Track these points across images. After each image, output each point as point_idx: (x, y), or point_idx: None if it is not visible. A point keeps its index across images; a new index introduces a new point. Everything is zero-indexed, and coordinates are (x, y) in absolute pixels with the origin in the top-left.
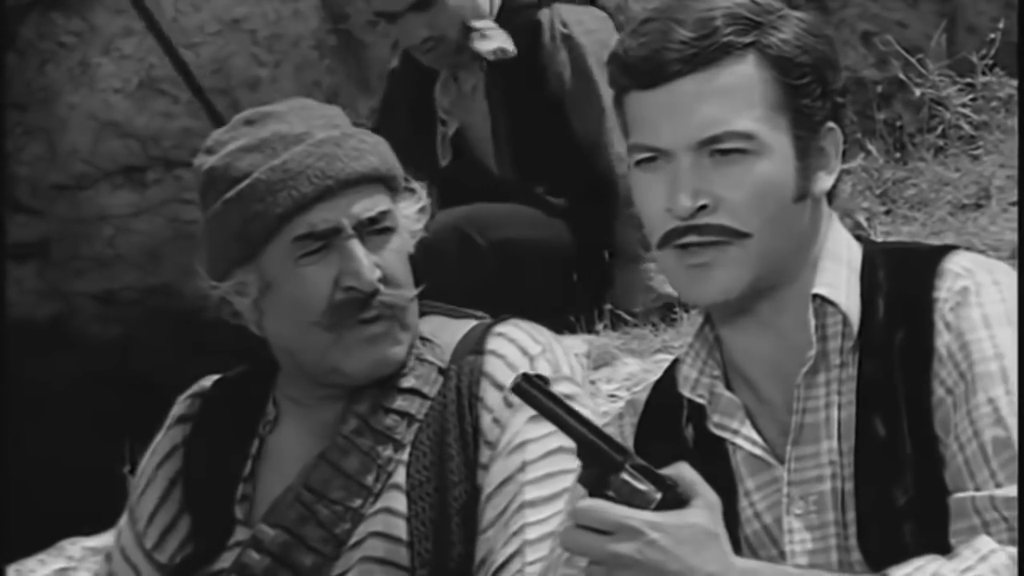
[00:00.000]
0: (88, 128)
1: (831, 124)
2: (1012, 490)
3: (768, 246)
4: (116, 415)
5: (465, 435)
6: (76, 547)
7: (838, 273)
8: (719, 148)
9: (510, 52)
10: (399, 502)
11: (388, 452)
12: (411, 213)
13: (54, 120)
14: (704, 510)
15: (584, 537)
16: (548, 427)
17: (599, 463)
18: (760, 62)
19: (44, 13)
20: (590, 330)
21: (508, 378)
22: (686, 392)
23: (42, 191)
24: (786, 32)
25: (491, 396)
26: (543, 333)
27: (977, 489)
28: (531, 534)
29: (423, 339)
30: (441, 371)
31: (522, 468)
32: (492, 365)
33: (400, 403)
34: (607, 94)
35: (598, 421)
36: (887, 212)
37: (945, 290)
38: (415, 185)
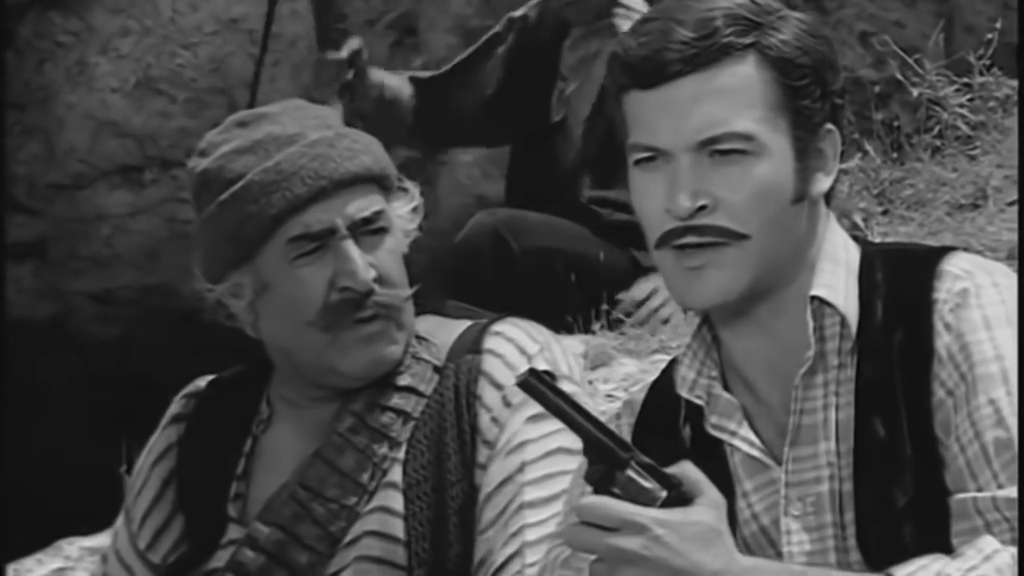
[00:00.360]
0: (86, 127)
1: (830, 126)
2: (1014, 491)
3: (766, 248)
4: (114, 415)
5: (463, 434)
6: (74, 547)
7: (836, 274)
8: (718, 149)
9: None
10: (395, 501)
11: (384, 450)
12: (405, 213)
13: (52, 119)
14: (709, 508)
15: (589, 533)
16: (547, 427)
17: (605, 460)
18: (760, 63)
19: (42, 12)
20: (587, 330)
21: (506, 377)
22: (684, 393)
23: (40, 190)
24: (786, 33)
25: (489, 395)
26: (541, 332)
27: (979, 490)
28: (530, 535)
29: (419, 338)
30: (437, 369)
31: (521, 469)
32: (490, 364)
33: (396, 401)
34: None
35: None
36: (884, 212)
37: (944, 291)
38: (408, 184)
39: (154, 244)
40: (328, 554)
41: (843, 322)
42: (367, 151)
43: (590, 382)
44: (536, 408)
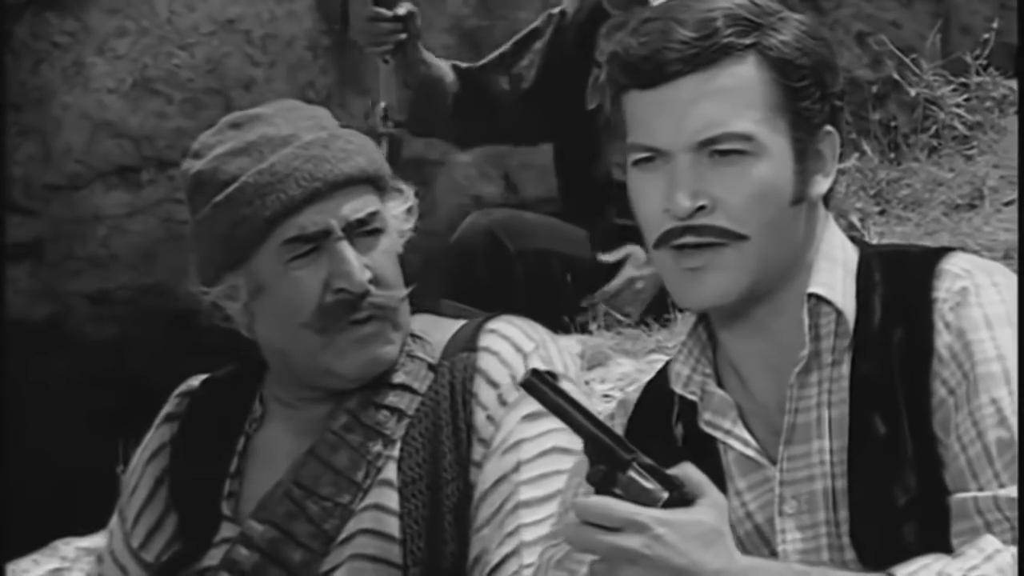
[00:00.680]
0: (82, 128)
1: (829, 128)
2: (1015, 490)
3: (765, 249)
4: (110, 415)
5: (458, 432)
6: (70, 547)
7: (833, 273)
8: (718, 149)
9: None
10: (390, 499)
11: (378, 448)
12: (399, 213)
13: (48, 120)
14: (710, 509)
15: (590, 533)
16: (543, 426)
17: (607, 461)
18: (760, 64)
19: (38, 13)
20: (584, 330)
21: (502, 375)
22: (678, 388)
23: (36, 191)
24: (786, 34)
25: (485, 393)
26: (537, 330)
27: (980, 490)
28: (527, 535)
29: (414, 336)
30: (432, 367)
31: (517, 468)
32: (486, 362)
33: (391, 399)
34: None
35: None
36: (881, 212)
37: (944, 290)
38: (402, 185)
39: (151, 245)
40: (322, 552)
41: (839, 320)
42: (361, 152)
43: (587, 382)
44: (532, 407)
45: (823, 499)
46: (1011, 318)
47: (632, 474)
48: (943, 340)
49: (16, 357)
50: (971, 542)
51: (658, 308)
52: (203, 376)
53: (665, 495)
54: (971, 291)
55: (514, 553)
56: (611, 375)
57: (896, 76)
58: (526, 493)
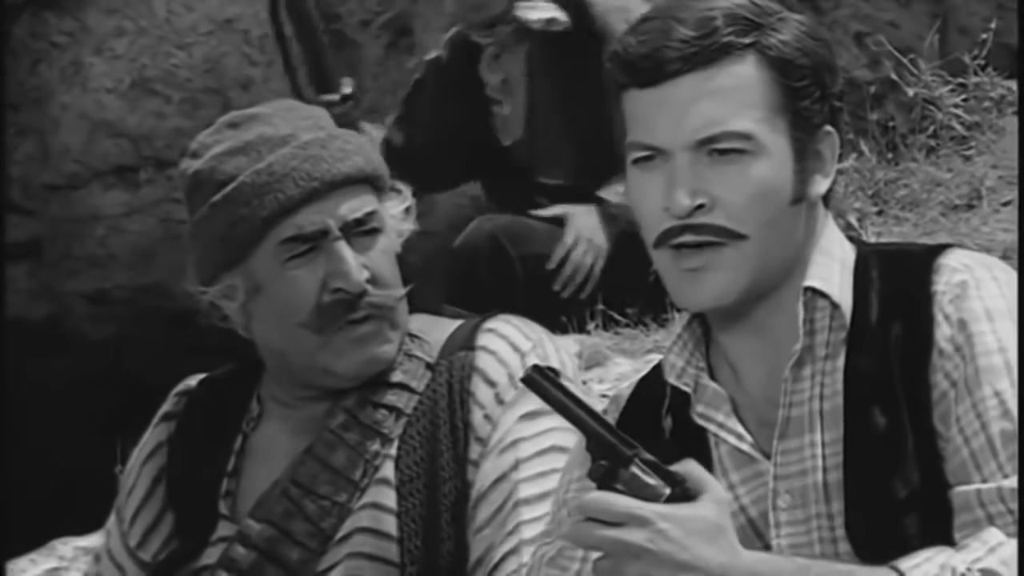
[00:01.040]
0: (80, 128)
1: (828, 128)
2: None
3: (764, 248)
4: (109, 415)
5: (456, 430)
6: (68, 547)
7: (830, 267)
8: (717, 148)
9: (560, 23)
10: (387, 497)
11: (375, 446)
12: (397, 213)
13: (46, 120)
14: (713, 504)
15: (593, 528)
16: (541, 425)
17: (609, 457)
18: (760, 63)
19: (37, 13)
20: (582, 330)
21: (499, 374)
22: (672, 379)
23: (34, 191)
24: (786, 34)
25: (482, 392)
26: (534, 329)
27: (983, 482)
28: (527, 533)
29: (412, 335)
30: (430, 366)
31: (516, 466)
32: (483, 361)
33: (388, 398)
34: None
35: None
36: (879, 212)
37: (943, 284)
38: (400, 185)
39: (149, 244)
40: (319, 550)
41: (834, 313)
42: (359, 152)
43: (584, 382)
44: (529, 406)
45: (815, 492)
46: (1011, 312)
47: (634, 470)
48: (943, 333)
49: (15, 357)
50: (974, 535)
51: (656, 308)
52: (201, 376)
53: (667, 491)
54: (971, 284)
55: (514, 551)
56: (609, 375)
57: (894, 76)
58: (525, 491)
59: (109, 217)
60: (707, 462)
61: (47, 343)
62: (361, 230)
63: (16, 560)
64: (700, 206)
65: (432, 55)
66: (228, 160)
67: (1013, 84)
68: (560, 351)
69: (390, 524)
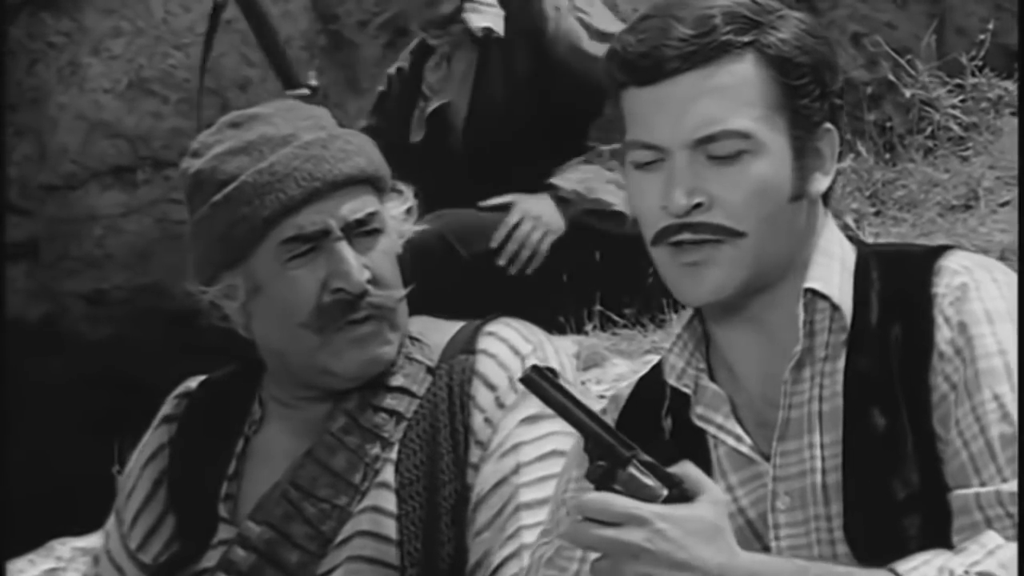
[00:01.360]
0: (78, 128)
1: (828, 125)
2: (1017, 485)
3: (762, 246)
4: (106, 415)
5: (456, 434)
6: (66, 547)
7: (830, 268)
8: (715, 147)
9: (496, 33)
10: (388, 501)
11: (376, 450)
12: (398, 214)
13: (44, 120)
14: (711, 505)
15: (592, 528)
16: (542, 430)
17: (607, 458)
18: (759, 61)
19: (34, 13)
20: (579, 331)
21: (499, 378)
22: (672, 380)
23: (32, 191)
24: (785, 32)
25: (483, 395)
26: (534, 332)
27: (982, 485)
28: (528, 537)
29: (412, 338)
30: (430, 370)
31: (517, 470)
32: (484, 364)
33: (389, 401)
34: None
35: None
36: (876, 213)
37: (943, 286)
38: (402, 186)
39: (146, 245)
40: (319, 553)
41: (834, 315)
42: (361, 152)
43: (582, 383)
44: (530, 409)
45: (813, 493)
46: (1011, 314)
47: (632, 471)
48: (943, 335)
49: (12, 357)
50: (972, 538)
51: (653, 308)
52: (201, 377)
53: (665, 492)
54: (971, 286)
55: (515, 555)
56: (607, 376)
57: (891, 77)
58: (526, 495)
59: (106, 217)
60: (706, 463)
61: (44, 343)
62: (362, 231)
63: (14, 560)
64: (698, 205)
65: (395, 67)
66: (229, 160)
67: (1010, 85)
68: (560, 354)
69: (390, 527)
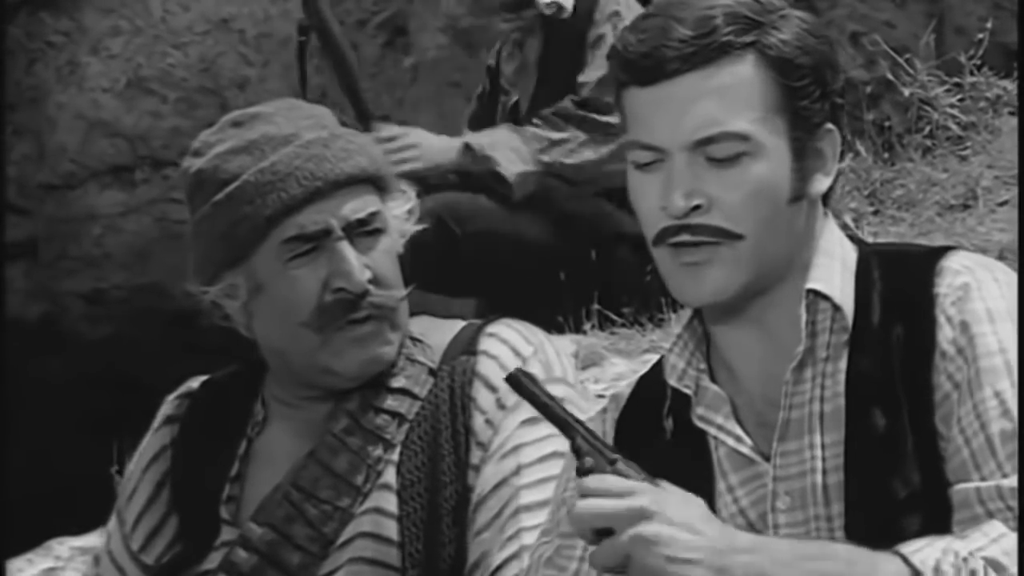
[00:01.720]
0: (76, 127)
1: (829, 125)
2: (1017, 479)
3: (761, 247)
4: (104, 414)
5: (457, 435)
6: (64, 547)
7: (832, 268)
8: (714, 149)
9: (566, 9)
10: (389, 502)
11: (378, 452)
12: (400, 213)
13: (42, 120)
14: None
15: (597, 501)
16: (542, 431)
17: (593, 455)
18: (759, 62)
19: (33, 13)
20: (578, 330)
21: (501, 379)
22: (672, 381)
23: (30, 191)
24: (786, 33)
25: (484, 397)
26: (535, 334)
27: (983, 480)
28: (528, 539)
29: (413, 339)
30: (431, 372)
31: (517, 471)
32: (485, 366)
33: (391, 403)
34: None
35: (588, 420)
36: (875, 213)
37: (945, 286)
38: (404, 186)
39: (145, 244)
40: (321, 555)
41: (836, 315)
42: (362, 152)
43: (581, 382)
44: (531, 411)
45: (813, 494)
46: (1012, 313)
47: (620, 466)
48: (946, 335)
49: (11, 357)
50: (976, 527)
51: (652, 308)
52: (203, 378)
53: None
54: (973, 286)
55: (515, 556)
56: (605, 375)
57: (890, 76)
58: (527, 497)
59: (105, 217)
60: (707, 464)
61: (43, 343)
62: (364, 230)
63: (13, 560)
64: (697, 207)
65: (488, 63)
66: (231, 159)
67: (1009, 84)
68: (561, 355)
69: (391, 528)
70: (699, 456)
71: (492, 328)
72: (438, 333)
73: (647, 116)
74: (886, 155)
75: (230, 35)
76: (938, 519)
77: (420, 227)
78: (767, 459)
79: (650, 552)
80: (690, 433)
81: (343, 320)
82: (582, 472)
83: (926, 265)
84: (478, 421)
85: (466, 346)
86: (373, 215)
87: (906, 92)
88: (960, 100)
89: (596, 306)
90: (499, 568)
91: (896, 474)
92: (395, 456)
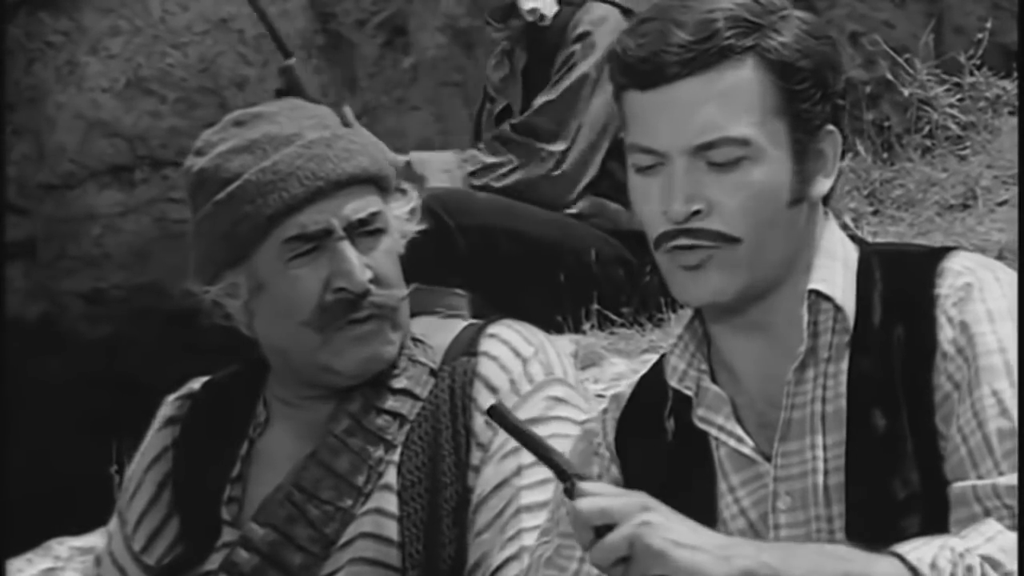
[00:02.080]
0: (76, 127)
1: (830, 127)
2: (1015, 478)
3: (759, 251)
4: (104, 414)
5: (458, 436)
6: (64, 547)
7: (833, 269)
8: (714, 154)
9: (547, 17)
10: (390, 503)
11: (379, 453)
12: (402, 214)
13: (42, 119)
14: None
15: (597, 498)
16: (543, 432)
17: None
18: (759, 66)
19: (32, 13)
20: (577, 330)
21: (501, 380)
22: (673, 382)
23: (30, 190)
24: (787, 35)
25: (484, 398)
26: (536, 334)
27: (980, 478)
28: (529, 540)
29: (415, 340)
30: (433, 372)
31: (518, 472)
32: (485, 367)
33: (392, 404)
34: (588, 102)
35: (588, 420)
36: (874, 212)
37: (947, 287)
38: (406, 186)
39: (144, 244)
40: (322, 555)
41: (837, 316)
42: (364, 152)
43: (580, 382)
44: (531, 412)
45: (814, 495)
46: (1012, 312)
47: None
48: (946, 335)
49: (10, 357)
50: (972, 526)
51: (651, 308)
52: (204, 378)
53: None
54: (975, 287)
55: (515, 557)
56: (604, 375)
57: (889, 76)
58: (527, 497)
59: (105, 216)
60: (708, 464)
61: (43, 343)
62: (365, 230)
63: (13, 560)
64: (697, 211)
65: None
66: (233, 158)
67: (1009, 84)
68: (561, 356)
69: (392, 529)
70: (700, 457)
71: (493, 329)
72: (439, 334)
73: (647, 120)
74: (885, 155)
75: (229, 35)
76: (938, 520)
77: (421, 227)
78: (768, 459)
79: (657, 535)
80: (691, 434)
81: (344, 320)
82: (571, 494)
83: (927, 266)
84: (479, 422)
85: (467, 347)
86: (374, 215)
87: (905, 92)
88: (959, 100)
89: (595, 306)
90: (499, 568)
91: (897, 475)
92: (396, 456)
